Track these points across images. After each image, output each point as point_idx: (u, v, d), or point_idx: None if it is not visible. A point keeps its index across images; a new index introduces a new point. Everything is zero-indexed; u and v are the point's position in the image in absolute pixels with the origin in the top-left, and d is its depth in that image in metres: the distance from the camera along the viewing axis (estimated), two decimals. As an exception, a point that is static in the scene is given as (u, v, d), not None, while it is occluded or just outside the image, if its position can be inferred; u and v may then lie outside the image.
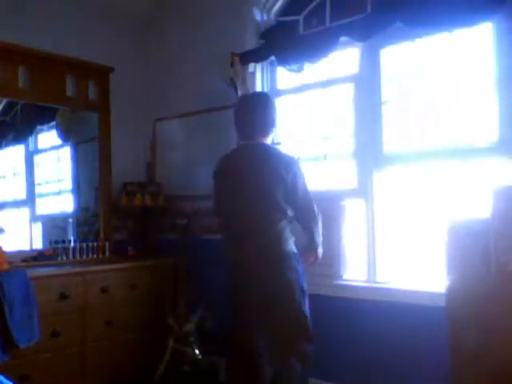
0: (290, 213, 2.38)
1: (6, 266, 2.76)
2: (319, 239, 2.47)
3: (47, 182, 3.77)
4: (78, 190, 3.80)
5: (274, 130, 2.50)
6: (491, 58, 2.49)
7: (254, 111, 2.43)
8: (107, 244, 3.58)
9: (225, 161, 2.54)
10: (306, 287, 2.38)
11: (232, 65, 3.34)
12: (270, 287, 2.32)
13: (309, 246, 2.47)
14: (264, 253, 2.33)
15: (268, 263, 2.33)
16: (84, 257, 3.44)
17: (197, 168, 3.72)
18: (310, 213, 2.43)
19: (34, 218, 3.61)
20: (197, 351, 3.23)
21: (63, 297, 2.93)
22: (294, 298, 2.32)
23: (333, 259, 2.87)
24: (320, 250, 2.49)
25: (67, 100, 3.54)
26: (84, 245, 3.46)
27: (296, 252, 2.38)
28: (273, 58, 3.24)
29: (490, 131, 2.50)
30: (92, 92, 3.65)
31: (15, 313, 2.54)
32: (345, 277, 2.94)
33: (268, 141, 2.52)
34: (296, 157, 2.57)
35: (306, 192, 2.42)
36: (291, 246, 2.38)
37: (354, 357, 2.76)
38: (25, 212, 3.59)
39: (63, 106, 3.60)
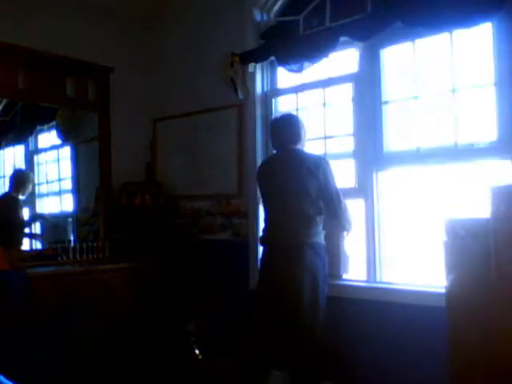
0: (323, 208, 2.64)
1: (5, 266, 2.76)
2: (347, 226, 2.76)
3: (47, 182, 3.78)
4: (78, 189, 3.80)
5: (301, 141, 2.77)
6: (491, 58, 2.49)
7: (285, 127, 2.77)
8: (107, 244, 3.58)
9: (264, 165, 2.89)
10: (327, 274, 2.62)
11: (232, 65, 3.34)
12: (295, 270, 2.52)
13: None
14: (296, 240, 2.56)
15: (299, 249, 2.53)
16: (84, 257, 3.44)
17: (197, 168, 3.72)
18: (339, 205, 2.65)
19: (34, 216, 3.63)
20: (197, 351, 3.23)
21: (63, 297, 2.93)
22: (316, 285, 2.53)
23: (333, 259, 2.86)
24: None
25: (67, 100, 3.54)
26: (84, 245, 3.46)
27: (324, 244, 2.61)
28: (273, 58, 3.24)
29: (489, 131, 2.50)
30: (92, 92, 3.64)
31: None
32: (345, 277, 2.94)
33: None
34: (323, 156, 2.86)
35: (335, 187, 2.64)
36: (322, 238, 2.62)
37: (354, 356, 2.76)
38: (25, 212, 3.59)
39: (63, 105, 3.60)
